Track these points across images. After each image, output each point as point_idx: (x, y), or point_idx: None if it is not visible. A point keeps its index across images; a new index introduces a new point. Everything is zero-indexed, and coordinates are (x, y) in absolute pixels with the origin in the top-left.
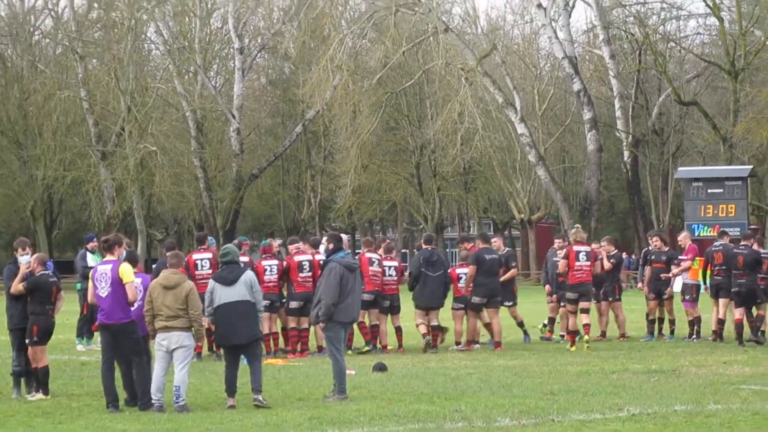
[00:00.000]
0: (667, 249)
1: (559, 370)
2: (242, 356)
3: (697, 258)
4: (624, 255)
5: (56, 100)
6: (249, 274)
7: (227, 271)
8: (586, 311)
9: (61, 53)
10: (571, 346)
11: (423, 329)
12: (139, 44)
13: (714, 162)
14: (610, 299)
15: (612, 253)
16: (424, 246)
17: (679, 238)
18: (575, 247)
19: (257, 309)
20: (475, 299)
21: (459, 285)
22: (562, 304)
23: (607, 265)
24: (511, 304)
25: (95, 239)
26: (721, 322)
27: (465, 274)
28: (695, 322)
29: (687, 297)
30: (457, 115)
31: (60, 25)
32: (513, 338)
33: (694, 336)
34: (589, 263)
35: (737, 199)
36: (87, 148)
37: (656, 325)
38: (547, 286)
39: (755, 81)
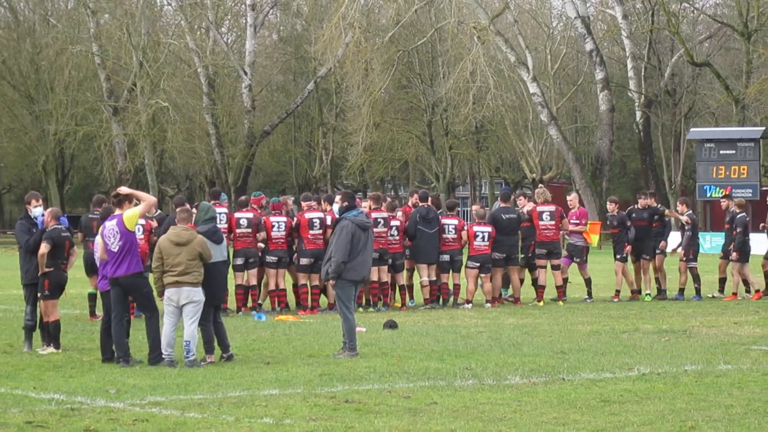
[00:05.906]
0: (617, 213)
1: (569, 330)
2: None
3: (589, 222)
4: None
5: (68, 54)
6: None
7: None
8: (557, 268)
9: (73, 7)
10: (539, 301)
11: (427, 292)
12: None
13: (726, 123)
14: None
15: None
16: (420, 203)
17: (568, 199)
18: (539, 208)
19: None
20: (495, 255)
21: (475, 244)
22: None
23: (685, 218)
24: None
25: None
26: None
27: (482, 231)
28: (588, 283)
29: (578, 260)
30: (469, 73)
31: None
32: (524, 297)
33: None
34: (553, 222)
35: (749, 161)
36: (99, 104)
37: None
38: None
39: None
